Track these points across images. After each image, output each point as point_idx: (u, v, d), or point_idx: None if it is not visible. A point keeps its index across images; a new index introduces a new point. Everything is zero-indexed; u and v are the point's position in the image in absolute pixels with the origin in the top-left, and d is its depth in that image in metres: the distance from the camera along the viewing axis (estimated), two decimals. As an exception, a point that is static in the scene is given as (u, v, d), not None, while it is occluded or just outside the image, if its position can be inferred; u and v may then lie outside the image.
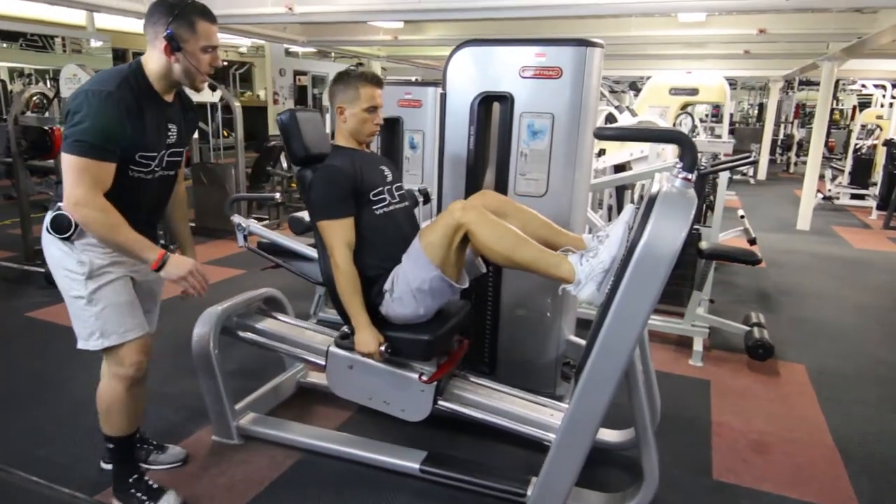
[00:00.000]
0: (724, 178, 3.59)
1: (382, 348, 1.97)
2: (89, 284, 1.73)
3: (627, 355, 1.58)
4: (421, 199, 2.99)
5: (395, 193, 2.18)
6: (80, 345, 1.78)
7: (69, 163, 1.58)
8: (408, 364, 2.08)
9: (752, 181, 11.04)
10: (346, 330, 2.10)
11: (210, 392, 2.23)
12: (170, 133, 1.79)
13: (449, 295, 2.01)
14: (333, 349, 2.14)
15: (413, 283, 1.93)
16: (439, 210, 2.71)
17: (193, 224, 5.94)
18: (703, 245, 3.24)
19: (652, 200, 1.52)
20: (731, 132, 11.37)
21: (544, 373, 2.69)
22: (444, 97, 2.58)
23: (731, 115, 13.20)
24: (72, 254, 1.72)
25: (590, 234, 1.98)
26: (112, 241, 1.66)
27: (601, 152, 4.17)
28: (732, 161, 3.53)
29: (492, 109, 2.56)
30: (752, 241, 4.19)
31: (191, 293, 1.73)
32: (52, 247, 1.75)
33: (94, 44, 11.93)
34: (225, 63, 15.60)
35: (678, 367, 3.21)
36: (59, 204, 1.68)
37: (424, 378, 2.04)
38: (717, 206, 3.61)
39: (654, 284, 1.49)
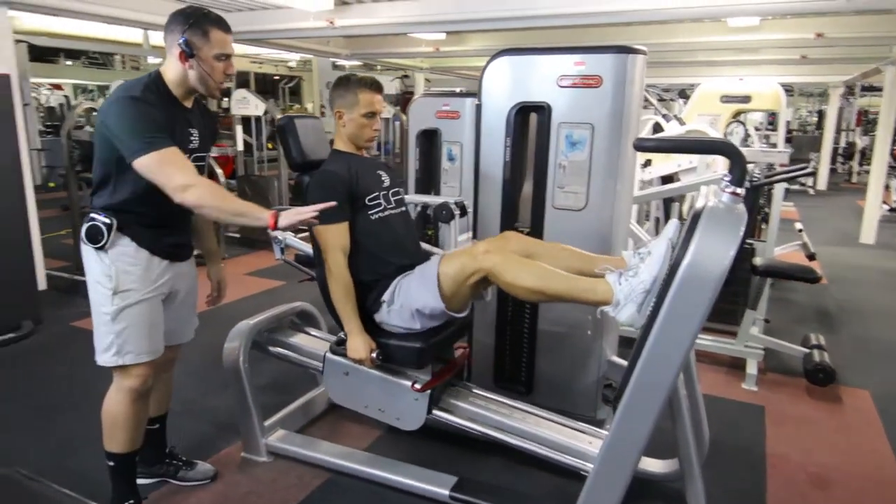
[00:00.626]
0: (779, 189, 3.40)
1: (374, 355, 1.99)
2: (115, 301, 1.76)
3: (670, 383, 1.47)
4: (457, 212, 2.93)
5: (392, 199, 2.19)
6: (97, 357, 1.82)
7: (147, 166, 1.62)
8: (402, 371, 2.08)
9: (811, 191, 10.55)
10: (343, 336, 2.10)
11: (240, 407, 2.22)
12: (192, 138, 1.84)
13: (447, 321, 2.03)
14: (330, 355, 2.15)
15: (415, 304, 1.96)
16: (475, 224, 2.65)
17: (237, 235, 6.05)
18: (758, 261, 3.07)
19: (697, 216, 1.42)
20: (788, 141, 10.90)
21: (584, 395, 2.58)
22: (479, 108, 2.52)
23: (788, 123, 12.66)
24: (103, 264, 1.76)
25: (632, 250, 1.87)
26: (228, 210, 1.68)
27: (647, 163, 4.03)
28: (788, 171, 3.34)
29: (529, 120, 2.49)
30: (811, 257, 3.96)
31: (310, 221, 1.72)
32: (88, 258, 1.79)
33: (151, 60, 12.43)
34: (276, 77, 16.00)
35: (730, 391, 3.03)
36: (93, 214, 1.74)
37: (417, 386, 2.03)
38: (773, 219, 3.41)
39: (700, 308, 1.38)
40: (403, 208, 2.24)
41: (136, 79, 1.77)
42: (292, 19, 4.85)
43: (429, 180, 3.89)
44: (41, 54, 10.46)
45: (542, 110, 2.39)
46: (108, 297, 1.76)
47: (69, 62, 12.17)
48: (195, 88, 1.79)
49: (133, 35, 10.96)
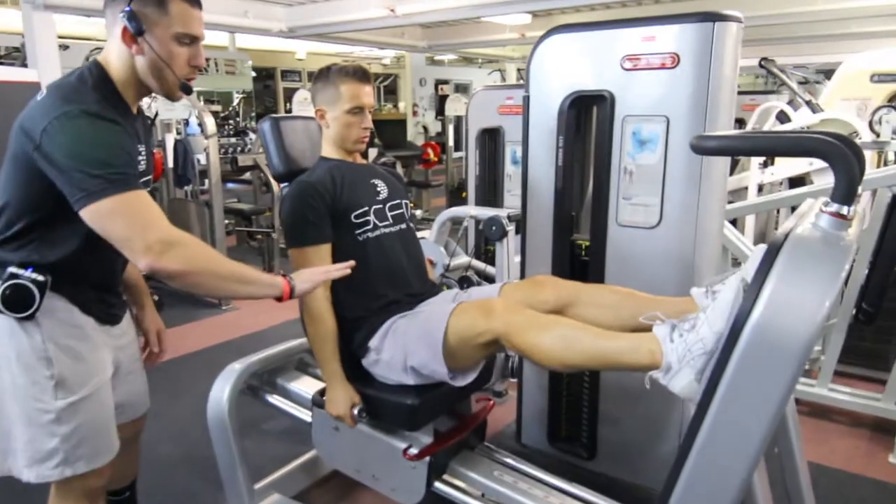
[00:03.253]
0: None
1: (355, 411, 1.76)
2: (61, 394, 1.37)
3: (735, 493, 1.09)
4: (510, 227, 2.64)
5: (388, 214, 1.95)
6: (22, 472, 1.40)
7: (103, 215, 1.24)
8: (398, 431, 1.83)
9: None
10: None
11: (224, 466, 2.05)
12: (140, 158, 1.47)
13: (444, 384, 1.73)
14: (317, 407, 1.93)
15: (411, 360, 1.70)
16: (524, 244, 2.34)
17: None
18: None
19: (776, 248, 1.04)
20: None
21: (661, 463, 2.18)
22: (527, 100, 2.23)
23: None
24: (32, 341, 1.34)
25: (706, 287, 1.49)
26: (227, 276, 1.34)
27: (766, 162, 3.49)
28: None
29: (588, 114, 2.15)
30: None
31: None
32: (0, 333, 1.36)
33: (246, 63, 13.08)
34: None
35: (873, 466, 2.50)
36: (12, 269, 1.32)
37: (412, 452, 1.77)
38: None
39: (777, 386, 1.02)
40: (404, 225, 1.99)
41: (73, 77, 1.35)
42: (351, 10, 4.78)
43: (492, 188, 3.61)
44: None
45: (603, 101, 2.05)
46: (47, 391, 1.36)
47: None
48: (145, 84, 1.40)
49: (219, 39, 11.56)
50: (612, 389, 2.22)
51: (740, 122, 4.50)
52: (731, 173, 4.07)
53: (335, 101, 1.88)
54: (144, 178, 1.50)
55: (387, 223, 1.93)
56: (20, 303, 1.32)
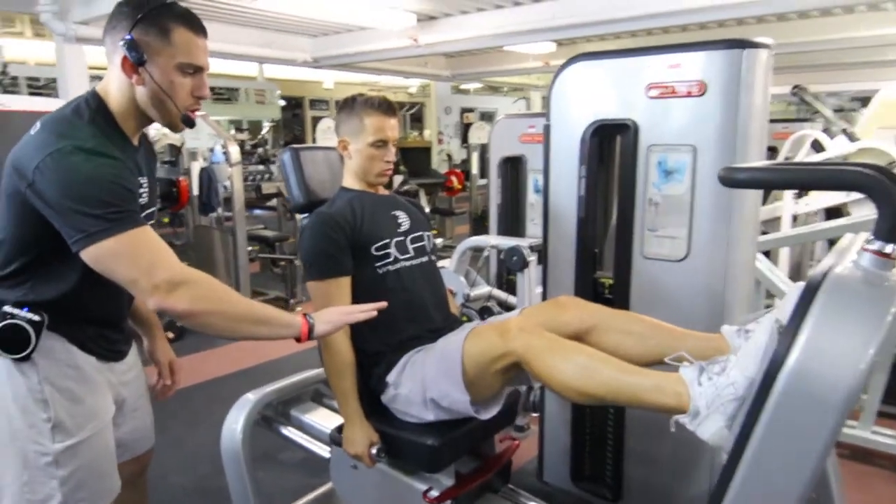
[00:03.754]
0: None
1: (374, 450, 1.69)
2: (59, 437, 1.32)
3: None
4: (532, 258, 2.58)
5: (410, 246, 1.89)
6: None
7: (106, 256, 1.20)
8: (419, 472, 1.76)
9: None
10: None
11: (238, 499, 2.01)
12: (141, 191, 1.41)
13: (468, 415, 1.64)
14: (335, 445, 1.86)
15: (430, 392, 1.63)
16: (545, 276, 2.28)
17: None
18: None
19: (813, 288, 0.96)
20: None
21: (690, 510, 2.07)
22: (548, 129, 2.18)
23: None
24: (28, 383, 1.30)
25: (738, 325, 1.42)
26: (240, 317, 1.28)
27: (801, 192, 3.38)
28: None
29: (612, 143, 2.10)
30: None
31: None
32: None
33: (275, 93, 13.33)
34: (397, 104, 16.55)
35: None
36: (7, 308, 1.28)
37: (433, 494, 1.69)
38: None
39: (814, 440, 0.94)
40: (425, 258, 1.93)
41: (69, 111, 1.30)
42: (374, 40, 4.82)
43: (514, 216, 3.56)
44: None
45: (627, 129, 2.00)
46: (44, 434, 1.31)
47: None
48: (146, 115, 1.35)
49: (250, 69, 11.81)
50: (638, 426, 2.13)
51: (772, 151, 4.39)
52: (764, 203, 3.96)
53: (359, 132, 1.84)
54: (147, 211, 1.46)
55: (408, 256, 1.87)
56: (15, 343, 1.28)
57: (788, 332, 0.96)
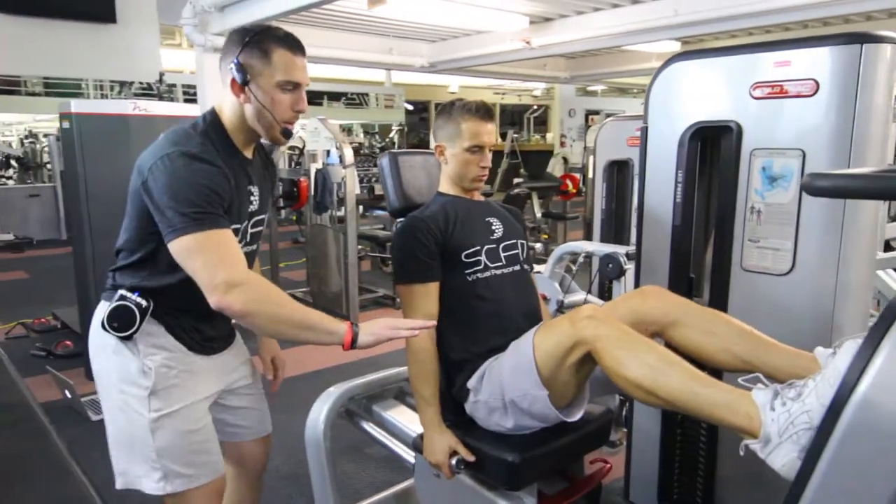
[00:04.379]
0: None
1: (454, 461, 1.64)
2: (154, 403, 1.47)
3: None
4: (630, 266, 2.48)
5: (502, 255, 1.85)
6: (130, 484, 1.52)
7: (183, 250, 1.33)
8: (500, 487, 1.70)
9: None
10: None
11: (318, 487, 2.08)
12: (252, 198, 1.57)
13: (552, 421, 1.60)
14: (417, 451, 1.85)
15: (508, 394, 1.59)
16: (637, 282, 2.18)
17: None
18: None
19: (894, 311, 0.87)
20: None
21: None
22: (645, 132, 2.09)
23: None
24: (134, 358, 1.47)
25: (832, 349, 1.29)
26: (287, 320, 1.37)
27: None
28: None
29: (713, 146, 1.98)
30: None
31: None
32: (104, 352, 1.50)
33: (402, 97, 13.80)
34: (523, 107, 16.54)
35: None
36: (122, 292, 1.47)
37: None
38: None
39: (882, 478, 0.83)
40: (518, 267, 1.89)
41: (189, 124, 1.49)
42: (488, 43, 4.85)
43: (619, 222, 3.44)
44: (308, 98, 12.35)
45: (728, 132, 1.88)
46: (142, 401, 1.47)
47: (335, 104, 13.94)
48: (253, 129, 1.50)
49: (378, 76, 12.29)
50: (731, 447, 1.98)
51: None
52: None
53: (455, 137, 1.84)
54: (256, 218, 1.61)
55: (499, 264, 1.84)
56: (123, 323, 1.45)
57: (863, 357, 0.86)
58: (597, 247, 2.64)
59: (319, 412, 2.07)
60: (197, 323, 1.56)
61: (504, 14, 4.28)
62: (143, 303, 1.46)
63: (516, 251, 1.91)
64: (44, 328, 4.63)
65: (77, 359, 3.93)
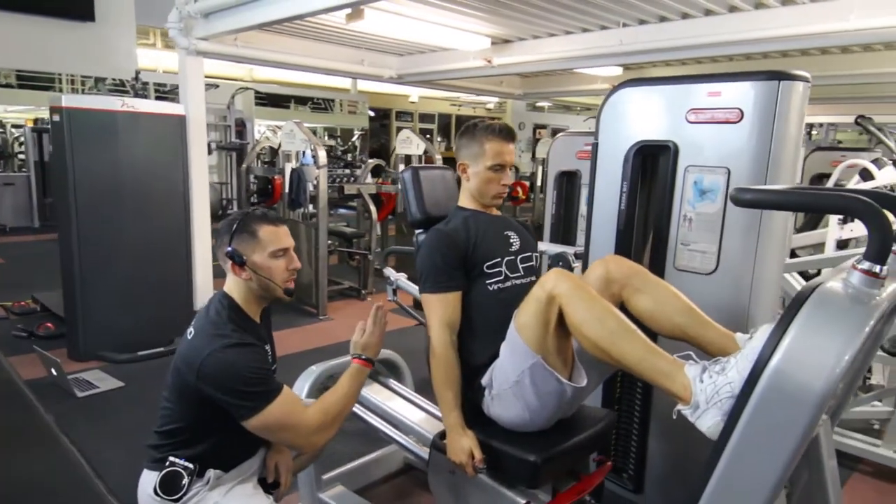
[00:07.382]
0: None
1: (476, 461, 1.65)
2: None
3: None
4: (577, 265, 2.62)
5: (520, 266, 1.89)
6: None
7: (266, 424, 1.47)
8: (517, 485, 1.72)
9: None
10: None
11: (298, 456, 2.13)
12: (268, 357, 1.65)
13: (560, 394, 1.58)
14: (435, 450, 1.84)
15: (511, 376, 1.60)
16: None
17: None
18: None
19: (802, 298, 1.00)
20: None
21: None
22: (595, 148, 2.22)
23: None
24: None
25: (748, 334, 1.44)
26: (347, 408, 1.63)
27: (846, 218, 3.25)
28: None
29: (655, 163, 2.12)
30: None
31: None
32: None
33: (365, 104, 13.71)
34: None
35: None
36: (172, 458, 1.53)
37: None
38: None
39: (789, 435, 0.97)
40: (533, 277, 1.92)
41: (212, 313, 1.57)
42: (453, 60, 4.94)
43: (567, 226, 3.60)
44: (277, 101, 12.15)
45: (667, 150, 2.02)
46: None
47: (300, 107, 13.75)
48: (263, 298, 1.62)
49: (344, 83, 12.21)
50: (661, 421, 2.13)
51: (824, 177, 4.24)
52: (815, 228, 3.83)
53: (478, 156, 1.85)
54: (274, 366, 1.70)
55: (518, 275, 1.86)
56: (174, 488, 1.52)
57: (774, 337, 0.99)
58: (548, 247, 2.76)
59: (301, 388, 2.14)
60: (236, 450, 1.65)
61: (469, 35, 4.39)
62: (190, 465, 1.54)
63: (531, 263, 1.95)
64: (23, 311, 4.50)
65: (59, 340, 3.85)
